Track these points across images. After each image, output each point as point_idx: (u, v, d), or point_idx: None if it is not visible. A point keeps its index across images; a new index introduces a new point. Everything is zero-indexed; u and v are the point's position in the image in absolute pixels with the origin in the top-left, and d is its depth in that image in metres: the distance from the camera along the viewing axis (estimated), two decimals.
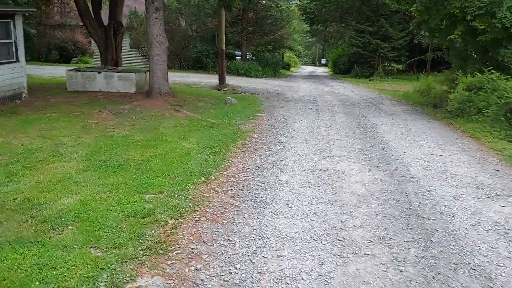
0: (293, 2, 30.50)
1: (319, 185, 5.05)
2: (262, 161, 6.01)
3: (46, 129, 7.45)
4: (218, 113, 9.94)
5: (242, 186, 4.88)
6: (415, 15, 13.67)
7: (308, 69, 53.73)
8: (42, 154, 5.90)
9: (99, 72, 12.37)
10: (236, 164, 5.78)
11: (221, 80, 17.37)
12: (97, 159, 5.77)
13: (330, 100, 13.75)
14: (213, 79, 18.13)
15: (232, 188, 4.81)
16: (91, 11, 14.96)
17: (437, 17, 10.83)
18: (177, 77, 20.43)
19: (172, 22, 23.72)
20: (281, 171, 5.58)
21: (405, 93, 16.00)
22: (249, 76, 23.22)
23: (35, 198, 4.29)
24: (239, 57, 27.50)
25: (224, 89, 17.02)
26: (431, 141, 7.81)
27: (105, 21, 14.76)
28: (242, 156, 6.25)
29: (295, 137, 7.70)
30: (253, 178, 5.19)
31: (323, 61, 72.49)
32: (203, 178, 5.06)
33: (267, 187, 4.89)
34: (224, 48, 17.19)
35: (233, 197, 4.54)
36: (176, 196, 4.44)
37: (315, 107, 11.75)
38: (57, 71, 18.40)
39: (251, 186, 4.90)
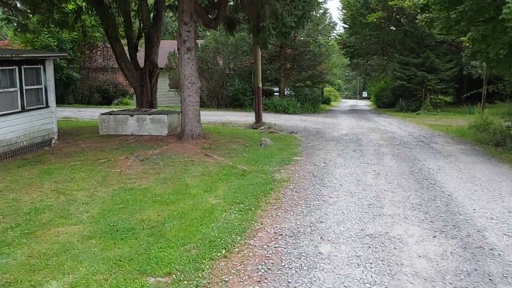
0: (332, 36, 29.96)
1: (370, 262, 3.95)
2: (298, 223, 5.00)
3: (64, 181, 6.88)
4: (251, 157, 9.09)
5: (272, 263, 3.88)
6: (468, 44, 12.48)
7: (349, 103, 52.53)
8: (48, 214, 5.24)
9: (131, 115, 12.02)
10: (266, 228, 4.81)
11: (258, 118, 16.70)
12: (108, 220, 5.02)
13: (375, 138, 12.58)
14: (250, 117, 17.48)
15: (259, 266, 3.82)
16: (128, 54, 15.00)
17: (496, 46, 9.60)
18: (214, 117, 20.07)
19: (210, 61, 23.72)
20: (321, 238, 4.54)
21: (459, 129, 14.51)
22: (288, 113, 22.48)
23: (18, 281, 3.52)
24: (277, 94, 27.00)
25: (261, 128, 16.30)
26: (503, 191, 6.48)
27: (142, 63, 14.68)
28: (274, 215, 5.28)
29: (337, 187, 6.64)
30: (285, 250, 4.19)
31: (364, 94, 71.08)
32: (223, 251, 4.11)
33: (303, 265, 3.86)
34: (260, 85, 16.63)
35: (259, 281, 3.54)
36: (186, 281, 3.51)
37: (359, 148, 10.64)
38: (97, 114, 18.56)
39: (282, 264, 3.89)
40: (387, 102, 29.28)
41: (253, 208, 5.51)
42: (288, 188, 6.56)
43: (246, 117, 18.43)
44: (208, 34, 24.12)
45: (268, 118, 19.28)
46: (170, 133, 12.00)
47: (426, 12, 11.59)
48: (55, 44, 22.00)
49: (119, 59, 14.21)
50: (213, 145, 10.80)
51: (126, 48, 14.95)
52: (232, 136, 12.85)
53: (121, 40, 14.94)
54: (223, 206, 5.59)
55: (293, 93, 28.25)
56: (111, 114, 12.20)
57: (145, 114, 12.03)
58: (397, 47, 27.50)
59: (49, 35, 21.06)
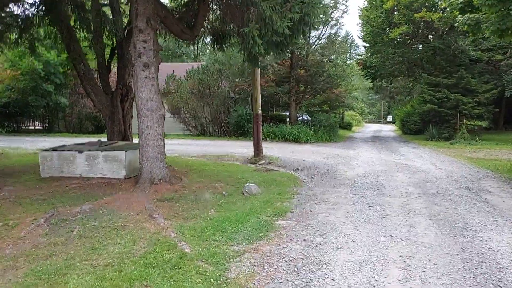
0: (352, 55, 26.96)
1: None
2: None
3: None
4: (215, 221, 6.11)
5: None
6: None
7: (373, 127, 49.07)
8: None
9: (80, 152, 9.32)
10: None
11: (257, 151, 13.78)
12: None
13: (402, 182, 9.39)
14: (252, 148, 14.56)
15: None
16: (98, 75, 12.55)
17: None
18: (212, 147, 17.26)
19: (212, 84, 21.16)
20: None
21: None
22: (299, 142, 19.49)
23: None
24: (304, 119, 24.15)
25: (260, 163, 13.36)
26: None
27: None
28: None
29: None
30: None
31: (389, 118, 67.48)
32: None
33: None
34: (260, 111, 13.77)
35: None
36: None
37: (379, 201, 7.50)
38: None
39: None
40: (414, 129, 25.89)
41: None
42: None
43: (249, 148, 15.53)
44: (207, 51, 21.63)
45: (273, 149, 16.36)
46: (131, 174, 9.21)
47: (469, 12, 8.54)
48: (40, 68, 19.98)
49: (84, 80, 11.69)
50: (178, 195, 7.91)
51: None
52: (214, 177, 9.96)
53: (89, 59, 12.53)
54: None
55: (310, 119, 25.42)
56: (56, 151, 9.53)
57: (98, 151, 9.30)
58: (425, 67, 24.32)
59: (34, 57, 19.02)
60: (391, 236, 5.38)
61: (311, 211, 6.76)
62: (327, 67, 21.50)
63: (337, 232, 5.57)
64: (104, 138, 12.66)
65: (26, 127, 24.99)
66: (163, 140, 8.65)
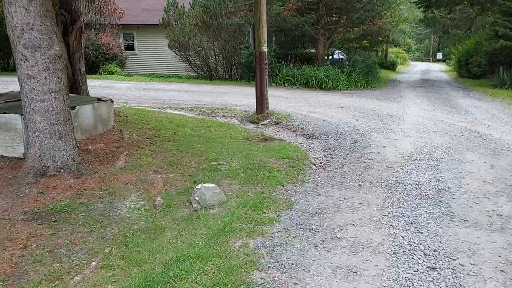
0: None
1: None
2: None
3: None
4: None
5: None
6: None
7: (420, 67, 43.00)
8: None
9: None
10: None
11: (260, 105, 9.99)
12: None
13: (482, 179, 5.42)
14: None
15: None
16: None
17: None
18: (211, 96, 13.50)
19: (219, 13, 16.81)
20: None
21: None
22: (326, 89, 15.32)
23: None
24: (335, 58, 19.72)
25: (263, 122, 9.65)
26: None
27: None
28: None
29: None
30: None
31: (439, 55, 60.11)
32: None
33: None
34: (265, 49, 9.73)
35: None
36: None
37: (448, 246, 3.70)
38: None
39: None
40: (476, 72, 20.69)
41: None
42: None
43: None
44: None
45: (288, 100, 12.51)
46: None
47: None
48: None
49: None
50: (75, 203, 4.53)
51: None
52: (177, 153, 6.48)
53: None
54: None
55: (345, 58, 20.86)
56: None
57: None
58: None
59: None
60: None
61: (295, 281, 3.08)
62: None
63: None
64: None
65: None
66: (65, 99, 5.02)
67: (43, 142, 4.87)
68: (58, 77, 4.84)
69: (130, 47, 20.68)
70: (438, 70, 36.20)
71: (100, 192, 4.79)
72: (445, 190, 4.94)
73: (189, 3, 18.05)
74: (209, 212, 4.34)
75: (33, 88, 4.74)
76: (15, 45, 4.66)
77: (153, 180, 5.22)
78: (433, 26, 41.41)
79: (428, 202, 4.59)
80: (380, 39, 20.89)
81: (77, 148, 5.20)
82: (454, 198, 4.67)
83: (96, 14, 19.26)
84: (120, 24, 19.85)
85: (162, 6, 18.27)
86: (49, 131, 4.88)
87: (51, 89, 4.80)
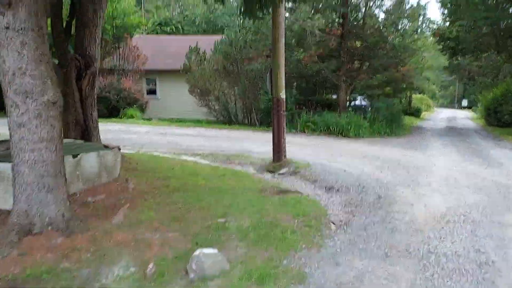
0: (423, 25, 21.05)
1: None
2: None
3: None
4: None
5: None
6: None
7: (445, 113, 42.10)
8: None
9: None
10: None
11: (277, 153, 9.44)
12: None
13: None
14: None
15: None
16: (53, 40, 8.81)
17: None
18: (228, 141, 13.11)
19: (240, 60, 16.82)
20: None
21: None
22: (348, 136, 14.74)
23: None
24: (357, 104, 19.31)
25: (280, 171, 9.07)
26: None
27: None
28: None
29: None
30: None
31: (464, 102, 59.15)
32: None
33: None
34: (283, 96, 9.33)
35: None
36: None
37: None
38: None
39: None
40: (507, 120, 19.76)
41: None
42: None
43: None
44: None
45: (307, 148, 11.97)
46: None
47: None
48: None
49: None
50: (57, 268, 3.95)
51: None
52: (185, 205, 5.94)
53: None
54: None
55: (368, 104, 20.42)
56: None
57: None
58: None
59: None
60: None
61: None
62: (392, 36, 16.23)
63: None
64: None
65: None
66: (58, 149, 4.63)
67: (30, 197, 4.43)
68: (51, 125, 4.48)
69: (152, 92, 20.91)
70: (464, 117, 35.24)
71: (88, 255, 4.24)
72: (488, 264, 4.16)
73: (210, 49, 18.23)
74: (207, 285, 3.70)
75: (22, 137, 4.37)
76: (6, 90, 4.36)
77: (150, 240, 4.66)
78: (458, 73, 40.87)
79: (469, 280, 3.82)
80: (404, 85, 20.44)
81: (68, 202, 4.73)
82: (501, 276, 3.89)
83: (121, 60, 19.67)
84: (144, 70, 20.20)
85: (186, 52, 18.50)
86: (37, 184, 4.45)
87: (42, 138, 4.42)
